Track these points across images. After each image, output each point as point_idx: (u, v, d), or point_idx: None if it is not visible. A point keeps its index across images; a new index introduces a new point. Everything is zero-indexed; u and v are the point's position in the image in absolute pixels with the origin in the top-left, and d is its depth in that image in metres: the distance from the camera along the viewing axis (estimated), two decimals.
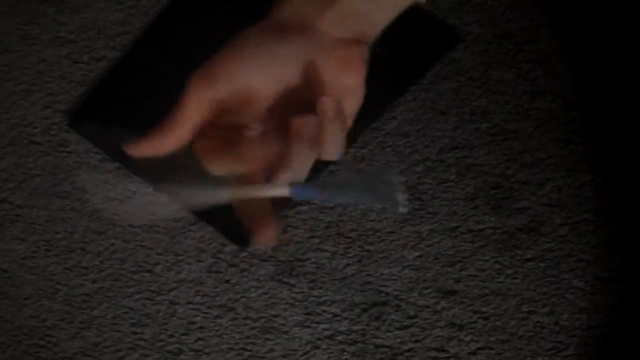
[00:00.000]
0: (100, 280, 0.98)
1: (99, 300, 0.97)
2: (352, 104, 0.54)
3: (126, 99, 1.03)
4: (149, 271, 0.98)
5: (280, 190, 0.53)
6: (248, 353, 0.95)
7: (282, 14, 0.51)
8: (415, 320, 0.95)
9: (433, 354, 0.94)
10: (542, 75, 1.00)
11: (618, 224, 0.96)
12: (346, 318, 0.96)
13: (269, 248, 0.55)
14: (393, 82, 1.02)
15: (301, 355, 0.95)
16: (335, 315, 0.96)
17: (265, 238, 0.54)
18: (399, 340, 0.95)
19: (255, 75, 0.51)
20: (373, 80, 1.06)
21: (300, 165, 0.52)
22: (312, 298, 0.96)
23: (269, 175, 0.54)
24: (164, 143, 0.55)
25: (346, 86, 0.53)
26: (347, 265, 0.97)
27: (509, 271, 0.96)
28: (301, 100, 0.52)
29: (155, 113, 1.03)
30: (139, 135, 0.56)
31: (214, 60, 0.52)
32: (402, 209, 0.51)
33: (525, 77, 1.01)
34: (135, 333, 0.96)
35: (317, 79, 0.51)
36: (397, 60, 1.03)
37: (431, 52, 1.03)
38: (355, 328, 0.95)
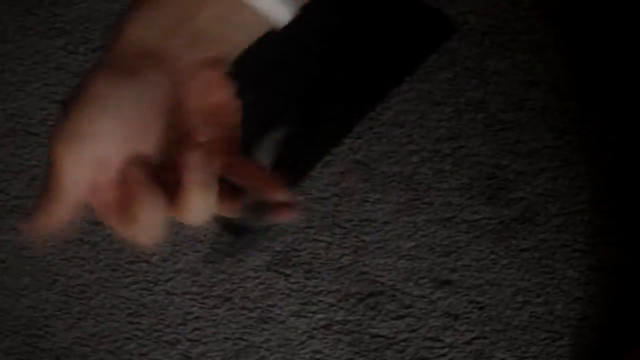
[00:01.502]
0: (97, 271, 0.98)
1: (96, 290, 0.97)
2: (228, 119, 0.52)
3: None
4: (146, 261, 0.98)
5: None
6: (244, 343, 0.96)
7: (123, 48, 0.47)
8: (411, 310, 0.96)
9: (428, 343, 0.95)
10: (537, 65, 1.01)
11: (612, 214, 0.97)
12: (342, 308, 0.96)
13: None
14: (389, 72, 1.03)
15: (297, 345, 0.96)
16: (331, 305, 0.96)
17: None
18: (394, 329, 0.95)
19: (121, 123, 0.46)
20: (370, 70, 1.07)
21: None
22: (308, 288, 0.97)
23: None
24: (55, 218, 0.48)
25: (215, 105, 0.51)
26: (342, 255, 0.97)
27: (504, 261, 0.96)
28: (176, 133, 0.50)
29: None
30: (29, 211, 0.50)
31: (73, 117, 0.46)
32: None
33: (521, 68, 1.01)
34: (132, 323, 0.97)
35: (183, 109, 0.48)
36: (394, 51, 1.03)
37: (427, 42, 1.03)
38: (351, 318, 0.96)
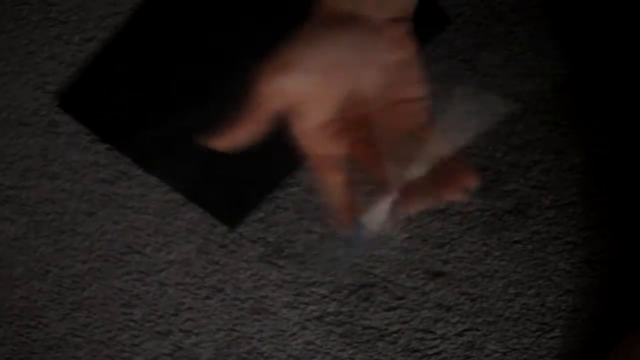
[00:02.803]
0: (90, 262, 0.98)
1: (89, 281, 0.98)
2: (412, 76, 0.57)
3: (116, 80, 1.03)
4: (139, 252, 0.98)
5: None
6: (237, 333, 0.96)
7: (328, 7, 0.54)
8: (403, 301, 0.96)
9: (420, 335, 0.95)
10: (532, 57, 1.00)
11: (605, 206, 0.97)
12: (334, 299, 0.96)
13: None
14: None
15: (289, 336, 0.96)
16: (324, 296, 0.96)
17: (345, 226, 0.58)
18: (386, 321, 0.95)
19: (325, 67, 0.53)
20: None
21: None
22: (300, 279, 0.97)
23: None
24: (241, 135, 0.56)
25: (400, 62, 0.55)
26: (336, 246, 0.97)
27: (497, 253, 0.96)
28: (364, 87, 0.55)
29: (146, 94, 1.03)
30: (215, 127, 0.57)
31: (283, 51, 0.54)
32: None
33: (515, 60, 1.00)
34: (125, 314, 0.97)
35: (375, 63, 0.54)
36: None
37: (422, 33, 1.03)
38: (343, 309, 0.96)
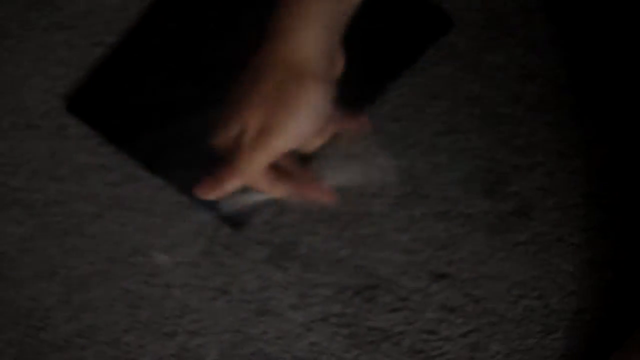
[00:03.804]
0: (97, 263, 0.99)
1: (96, 282, 0.98)
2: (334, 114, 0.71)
3: (125, 84, 1.04)
4: (145, 254, 0.99)
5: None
6: (242, 335, 0.97)
7: (281, 56, 0.63)
8: (407, 302, 0.96)
9: (424, 336, 0.96)
10: (534, 59, 1.01)
11: (608, 208, 0.97)
12: (339, 300, 0.97)
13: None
14: (387, 66, 1.03)
15: (294, 337, 0.96)
16: (328, 297, 0.97)
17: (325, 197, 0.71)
18: (390, 322, 0.96)
19: (310, 123, 0.63)
20: (367, 64, 1.07)
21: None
22: (305, 281, 0.97)
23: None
24: (228, 188, 0.67)
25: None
26: (340, 248, 0.98)
27: (500, 255, 0.97)
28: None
29: (154, 97, 1.04)
30: (202, 177, 0.68)
31: (268, 127, 0.64)
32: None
33: (518, 62, 1.01)
34: (131, 315, 0.98)
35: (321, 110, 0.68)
36: (391, 45, 1.04)
37: (425, 36, 1.04)
38: (347, 310, 0.96)
